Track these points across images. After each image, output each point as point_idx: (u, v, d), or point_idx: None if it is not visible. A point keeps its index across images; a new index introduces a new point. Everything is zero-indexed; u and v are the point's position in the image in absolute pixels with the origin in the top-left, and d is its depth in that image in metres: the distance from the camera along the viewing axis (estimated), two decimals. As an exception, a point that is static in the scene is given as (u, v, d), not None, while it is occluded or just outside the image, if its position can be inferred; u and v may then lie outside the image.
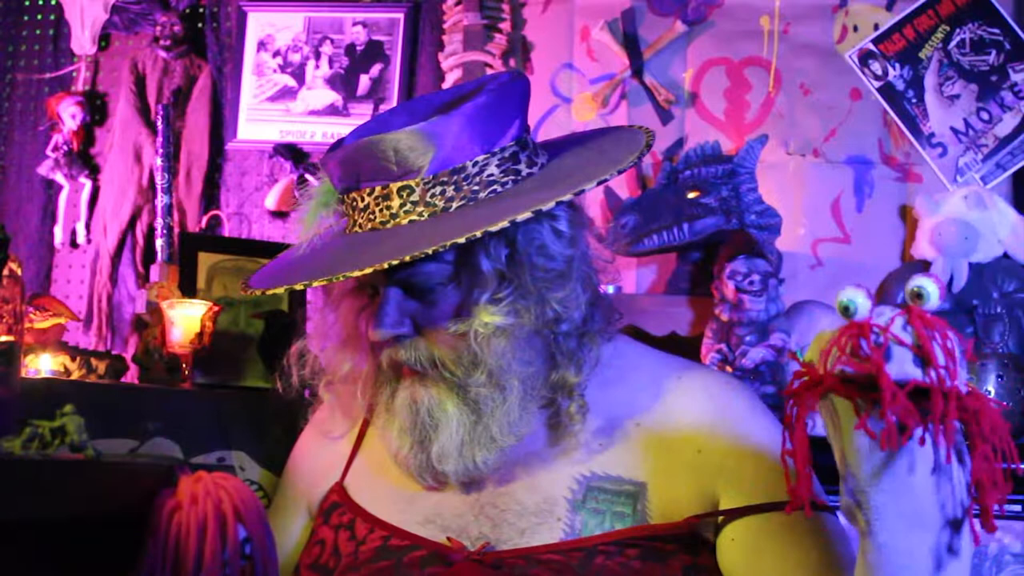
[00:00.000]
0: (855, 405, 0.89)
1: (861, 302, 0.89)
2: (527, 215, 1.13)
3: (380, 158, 1.17)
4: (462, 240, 1.11)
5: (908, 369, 0.87)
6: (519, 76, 1.26)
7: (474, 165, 1.19)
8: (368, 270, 1.12)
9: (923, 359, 0.87)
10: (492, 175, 1.20)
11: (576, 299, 1.24)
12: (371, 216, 1.20)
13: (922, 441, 0.88)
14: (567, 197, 1.16)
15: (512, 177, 1.21)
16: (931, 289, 0.88)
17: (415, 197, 1.18)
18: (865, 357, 0.88)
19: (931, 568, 0.93)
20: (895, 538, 0.93)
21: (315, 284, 1.15)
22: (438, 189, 1.18)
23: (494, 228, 1.12)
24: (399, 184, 1.18)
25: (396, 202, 1.19)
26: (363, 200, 1.21)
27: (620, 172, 1.20)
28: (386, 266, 1.11)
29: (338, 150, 1.22)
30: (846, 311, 0.89)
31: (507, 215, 1.13)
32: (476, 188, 1.19)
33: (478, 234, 1.11)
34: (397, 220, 1.19)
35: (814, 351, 0.93)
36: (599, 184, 1.18)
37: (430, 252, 1.10)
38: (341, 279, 1.14)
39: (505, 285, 1.20)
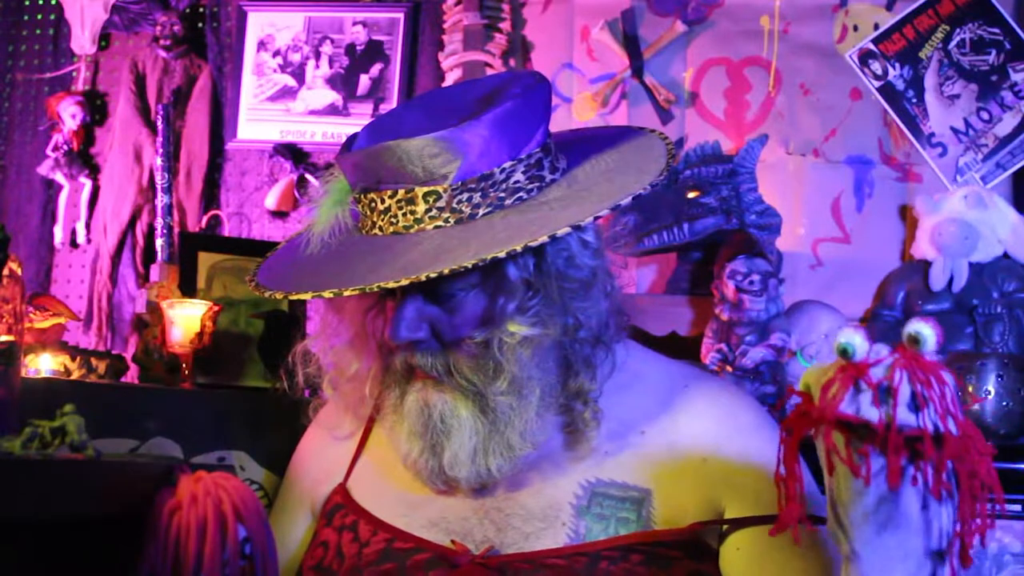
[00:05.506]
0: (848, 446, 0.89)
1: (859, 343, 0.90)
2: (566, 230, 1.12)
3: (405, 163, 1.15)
4: (503, 255, 1.10)
5: (903, 414, 0.88)
6: (541, 79, 1.25)
7: (501, 172, 1.18)
8: (404, 282, 1.10)
9: (918, 405, 0.88)
10: (518, 182, 1.19)
11: (596, 308, 1.24)
12: (393, 220, 1.19)
13: (915, 481, 0.89)
14: (604, 212, 1.15)
15: (537, 184, 1.20)
16: (928, 334, 0.89)
17: (442, 203, 1.17)
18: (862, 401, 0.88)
19: None
20: (877, 571, 0.94)
21: (346, 293, 1.13)
22: (465, 195, 1.17)
23: (535, 243, 1.11)
24: (425, 189, 1.16)
25: (421, 207, 1.17)
26: (383, 202, 1.19)
27: (653, 186, 1.18)
28: (424, 278, 1.09)
29: (356, 151, 1.19)
30: (844, 353, 0.90)
31: (542, 227, 1.12)
32: (502, 195, 1.18)
33: (518, 248, 1.10)
34: (422, 225, 1.17)
35: (811, 381, 0.93)
36: (633, 199, 1.17)
37: (469, 266, 1.09)
38: (377, 288, 1.12)
39: (531, 295, 1.19)
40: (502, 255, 1.10)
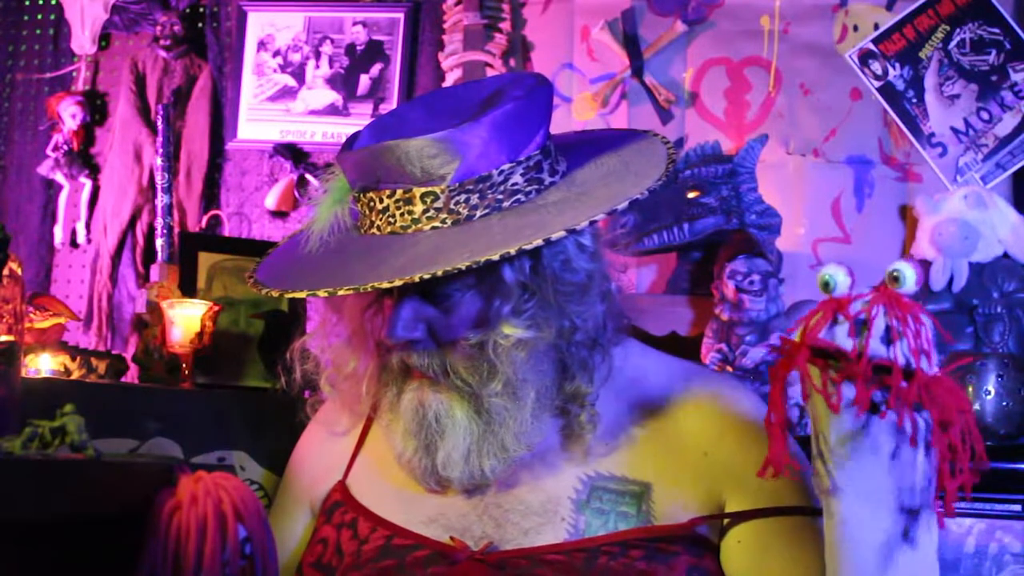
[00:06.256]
0: (823, 373, 0.92)
1: (841, 279, 0.94)
2: (561, 233, 1.12)
3: (404, 163, 1.16)
4: (496, 257, 1.10)
5: (876, 346, 0.91)
6: (543, 81, 1.25)
7: (499, 174, 1.18)
8: (398, 282, 1.10)
9: (891, 339, 0.91)
10: (516, 184, 1.19)
11: (593, 311, 1.24)
12: (391, 219, 1.19)
13: (882, 415, 0.91)
14: (600, 216, 1.15)
15: (535, 186, 1.20)
16: (908, 273, 0.92)
17: (439, 204, 1.17)
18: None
19: (885, 550, 0.96)
20: (853, 513, 0.96)
21: (341, 293, 1.14)
22: (463, 197, 1.17)
23: (529, 246, 1.11)
24: (423, 190, 1.17)
25: (419, 207, 1.17)
26: (382, 202, 1.19)
27: (651, 191, 1.18)
28: (418, 279, 1.10)
29: (356, 150, 1.20)
30: (826, 286, 0.94)
31: (538, 230, 1.12)
32: (500, 197, 1.18)
33: (512, 251, 1.10)
34: (419, 226, 1.18)
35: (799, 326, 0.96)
36: (631, 204, 1.17)
37: (463, 267, 1.09)
38: (370, 289, 1.12)
39: (527, 297, 1.19)
40: (496, 257, 1.10)
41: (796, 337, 0.94)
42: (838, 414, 0.92)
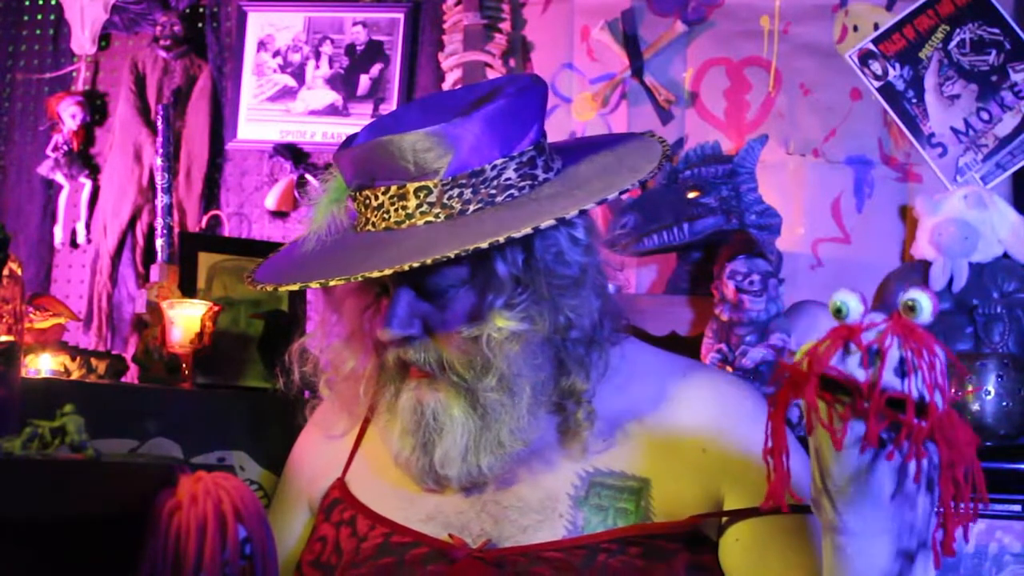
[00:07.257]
0: (830, 408, 0.87)
1: (853, 305, 0.88)
2: (550, 222, 1.12)
3: (397, 158, 1.17)
4: (485, 245, 1.10)
5: (889, 378, 0.86)
6: (538, 80, 1.26)
7: (492, 168, 1.19)
8: (388, 271, 1.11)
9: (905, 371, 0.86)
10: (510, 179, 1.20)
11: (588, 306, 1.24)
12: (385, 215, 1.20)
13: (890, 456, 0.87)
14: (590, 206, 1.15)
15: (529, 182, 1.21)
16: (925, 303, 0.87)
17: (432, 198, 1.18)
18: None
19: None
20: (861, 549, 0.94)
21: (332, 283, 1.15)
22: (456, 191, 1.18)
23: (518, 234, 1.11)
24: (416, 184, 1.17)
25: (412, 202, 1.18)
26: (377, 199, 1.20)
27: (641, 183, 1.19)
28: (407, 268, 1.10)
29: (352, 147, 1.21)
30: (838, 313, 0.88)
31: (528, 221, 1.13)
32: (493, 192, 1.19)
33: (501, 240, 1.11)
34: (413, 220, 1.18)
35: (804, 350, 0.91)
36: (621, 194, 1.18)
37: (452, 256, 1.10)
38: (360, 279, 1.13)
39: (520, 291, 1.20)
40: (484, 246, 1.10)
41: (803, 365, 0.88)
42: (840, 450, 0.89)
